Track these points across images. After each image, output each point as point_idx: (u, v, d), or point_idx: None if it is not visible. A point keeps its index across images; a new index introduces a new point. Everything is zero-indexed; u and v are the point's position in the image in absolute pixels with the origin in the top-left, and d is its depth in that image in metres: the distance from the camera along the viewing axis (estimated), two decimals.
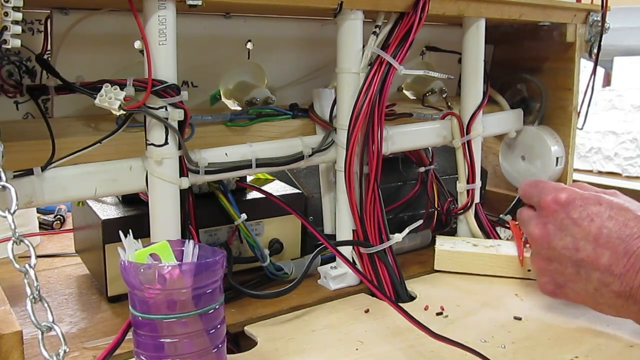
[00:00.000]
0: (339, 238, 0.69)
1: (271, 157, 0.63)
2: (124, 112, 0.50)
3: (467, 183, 0.78)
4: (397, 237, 0.66)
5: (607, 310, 0.55)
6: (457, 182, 0.79)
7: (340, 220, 0.68)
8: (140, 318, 0.44)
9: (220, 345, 0.46)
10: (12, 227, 0.43)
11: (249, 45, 0.70)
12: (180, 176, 0.55)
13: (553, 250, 0.57)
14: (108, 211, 0.65)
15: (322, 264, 0.70)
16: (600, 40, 0.84)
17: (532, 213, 0.61)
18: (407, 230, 0.66)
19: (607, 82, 1.69)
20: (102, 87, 0.50)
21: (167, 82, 0.52)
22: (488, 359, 0.50)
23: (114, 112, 0.50)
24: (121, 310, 0.63)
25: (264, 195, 0.70)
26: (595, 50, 0.85)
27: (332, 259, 0.70)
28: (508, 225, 0.80)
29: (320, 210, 0.75)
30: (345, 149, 0.64)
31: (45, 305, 0.44)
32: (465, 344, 0.52)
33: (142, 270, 0.42)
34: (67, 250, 0.83)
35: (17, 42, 0.43)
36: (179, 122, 0.54)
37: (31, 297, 0.43)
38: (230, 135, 0.64)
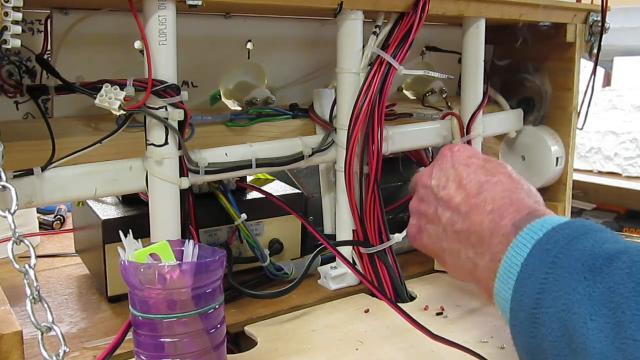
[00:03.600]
0: (339, 238, 0.69)
1: (271, 157, 0.63)
2: (124, 112, 0.50)
3: None
4: (397, 237, 0.66)
5: (448, 259, 0.53)
6: None
7: (340, 220, 0.68)
8: (140, 318, 0.44)
9: (220, 345, 0.46)
10: (12, 227, 0.43)
11: (249, 45, 0.70)
12: (180, 176, 0.55)
13: (426, 188, 0.55)
14: (108, 211, 0.65)
15: (322, 264, 0.70)
16: (600, 40, 0.84)
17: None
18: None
19: (607, 82, 1.70)
20: (102, 87, 0.50)
21: (167, 82, 0.52)
22: (485, 359, 0.50)
23: (114, 112, 0.50)
24: (121, 310, 0.63)
25: (264, 195, 0.70)
26: (595, 50, 0.85)
27: (332, 259, 0.70)
28: None
29: (320, 210, 0.75)
30: (345, 149, 0.64)
31: (45, 305, 0.44)
32: (465, 344, 0.52)
33: (142, 270, 0.42)
34: (67, 250, 0.83)
35: (17, 42, 0.43)
36: (179, 122, 0.54)
37: (31, 297, 0.43)
38: (230, 135, 0.64)
